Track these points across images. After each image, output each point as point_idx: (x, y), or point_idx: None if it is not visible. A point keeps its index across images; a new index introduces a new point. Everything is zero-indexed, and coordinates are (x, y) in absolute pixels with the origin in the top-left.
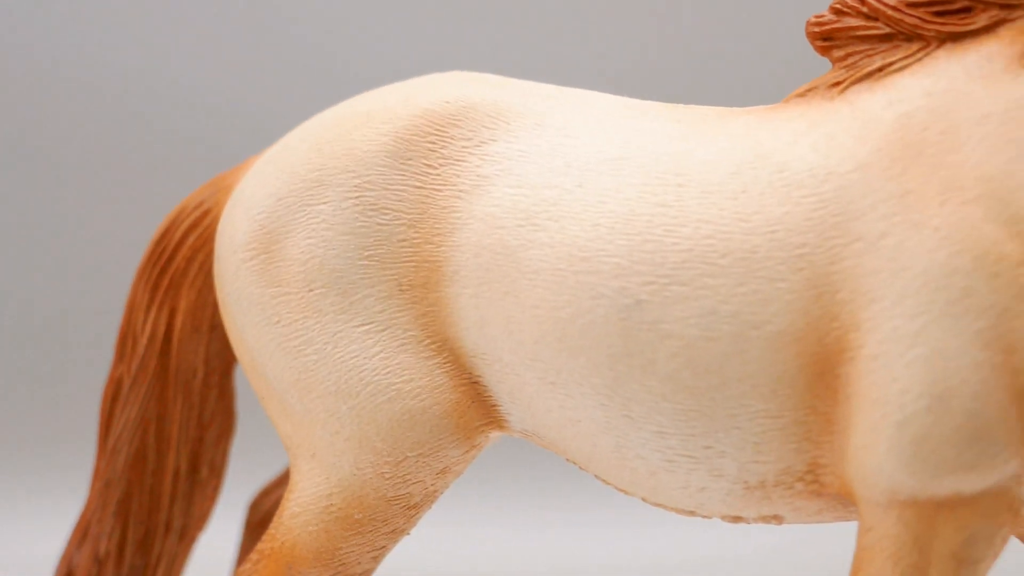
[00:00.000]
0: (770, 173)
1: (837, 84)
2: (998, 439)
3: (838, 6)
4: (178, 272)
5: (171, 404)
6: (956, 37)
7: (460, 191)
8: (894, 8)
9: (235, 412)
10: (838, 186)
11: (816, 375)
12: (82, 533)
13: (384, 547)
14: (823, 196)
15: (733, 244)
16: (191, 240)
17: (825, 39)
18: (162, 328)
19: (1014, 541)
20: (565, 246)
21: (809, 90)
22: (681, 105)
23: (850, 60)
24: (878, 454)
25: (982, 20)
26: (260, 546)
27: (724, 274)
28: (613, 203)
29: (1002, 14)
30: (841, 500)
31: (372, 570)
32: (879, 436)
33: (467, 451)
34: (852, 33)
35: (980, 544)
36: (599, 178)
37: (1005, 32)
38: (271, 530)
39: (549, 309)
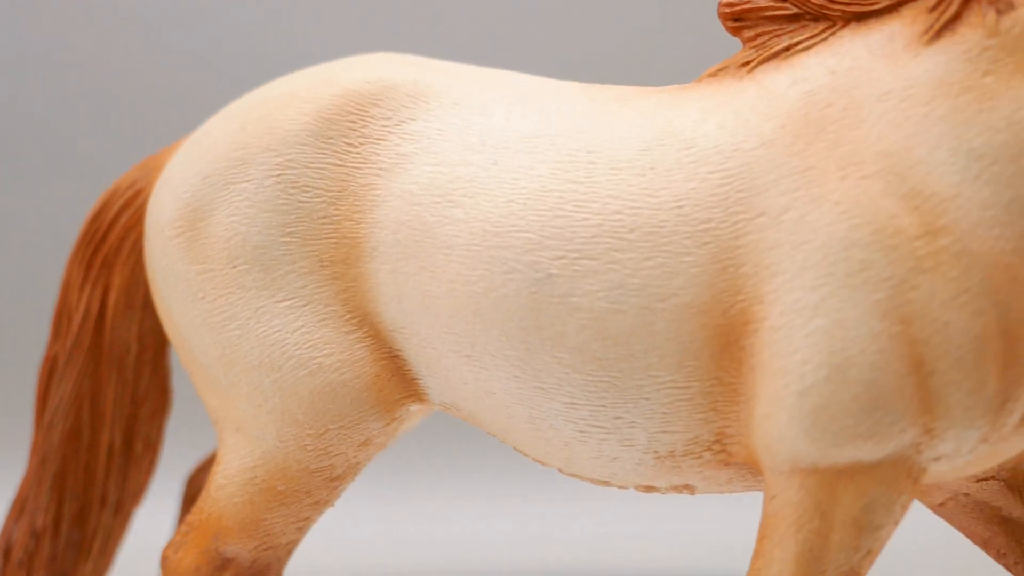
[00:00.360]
0: (678, 150)
1: (746, 64)
2: (895, 408)
3: None
4: (111, 251)
5: (105, 381)
6: (860, 17)
7: (380, 169)
8: None
9: (170, 389)
10: (743, 162)
11: (721, 347)
12: (19, 508)
13: (308, 518)
14: (728, 172)
15: (641, 219)
16: (124, 219)
17: (736, 20)
18: (96, 306)
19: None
20: (479, 222)
21: (720, 70)
22: (598, 85)
23: (759, 40)
24: (780, 423)
25: (885, 0)
26: (189, 518)
27: (632, 248)
28: (526, 180)
29: None
30: (749, 469)
31: (297, 540)
32: (781, 406)
33: (388, 424)
34: (761, 14)
35: (880, 511)
36: (513, 156)
37: (907, 11)
38: (199, 503)
39: (463, 283)
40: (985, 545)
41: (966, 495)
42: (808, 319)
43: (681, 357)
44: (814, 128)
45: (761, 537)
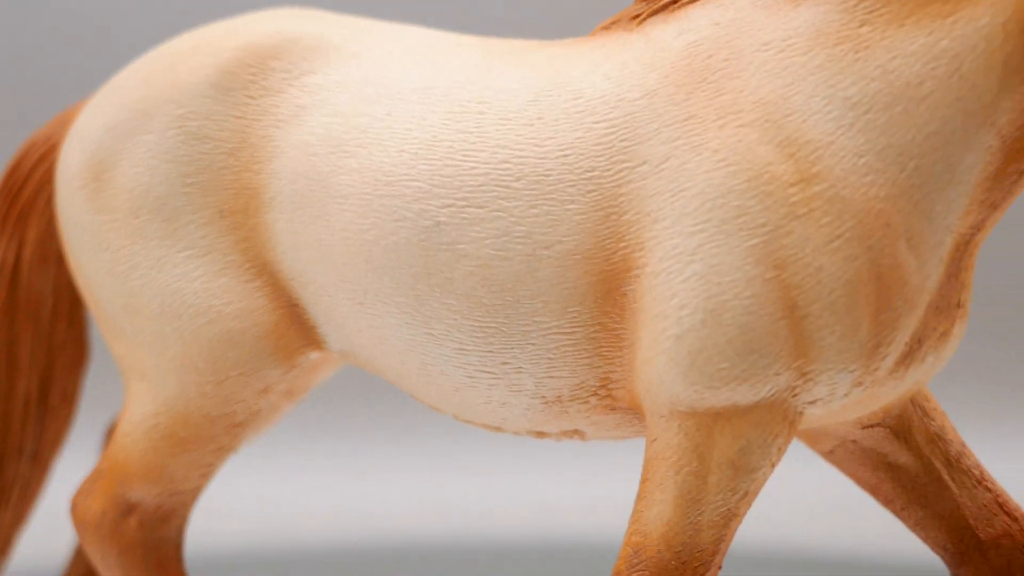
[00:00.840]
0: (565, 100)
1: (636, 16)
2: (769, 351)
3: None
4: (27, 204)
5: (21, 332)
6: None
7: (279, 120)
8: None
9: (87, 342)
10: (627, 112)
11: (604, 293)
12: None
13: (211, 464)
14: (613, 122)
15: (527, 168)
16: (39, 173)
17: None
18: (11, 258)
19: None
20: (372, 171)
21: (613, 23)
22: (497, 38)
23: None
24: (659, 367)
25: None
26: (98, 465)
27: (518, 197)
28: (418, 130)
29: None
30: (634, 414)
31: (201, 487)
32: (660, 349)
33: (288, 371)
34: None
35: (756, 453)
36: (407, 106)
37: None
38: (107, 449)
39: (356, 232)
40: (874, 491)
41: (854, 442)
42: (685, 264)
43: (565, 303)
44: (696, 78)
45: (643, 479)
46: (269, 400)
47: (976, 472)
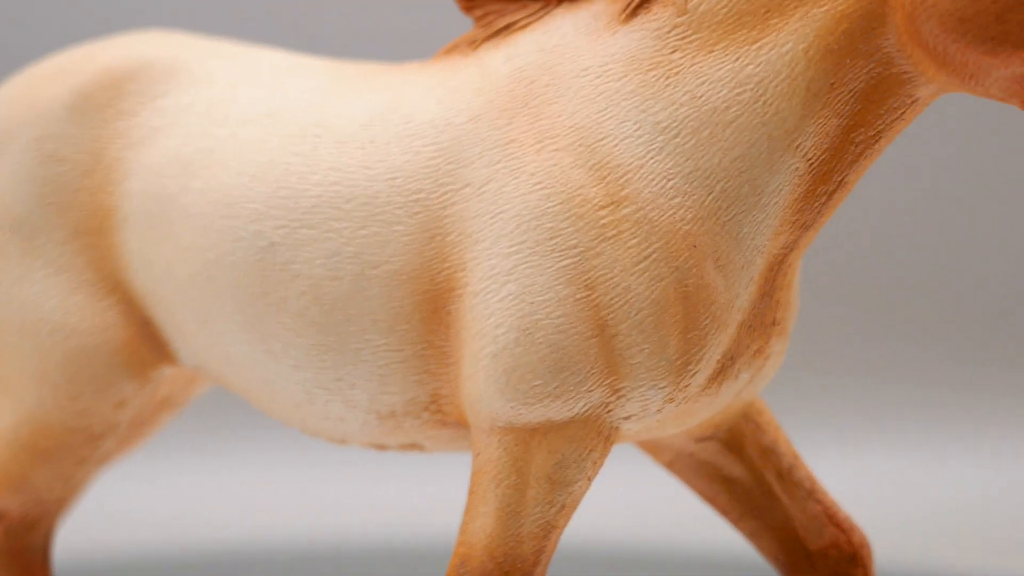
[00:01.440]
0: (397, 124)
1: (473, 42)
2: (581, 369)
3: None
4: None
5: None
6: None
7: (132, 142)
8: None
9: None
10: (454, 136)
11: (431, 311)
12: None
13: (74, 475)
14: (440, 145)
15: (357, 190)
16: None
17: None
18: None
19: None
20: (214, 192)
21: (453, 48)
22: (350, 62)
23: (486, 19)
24: (479, 383)
25: None
26: None
27: (348, 218)
28: (258, 152)
29: None
30: (464, 428)
31: (67, 498)
32: (479, 367)
33: (142, 386)
34: None
35: (572, 467)
36: (251, 129)
37: None
38: None
39: (199, 251)
40: (711, 502)
41: (690, 455)
42: (502, 284)
43: (393, 322)
44: (519, 103)
45: (470, 492)
46: (127, 413)
47: (807, 484)
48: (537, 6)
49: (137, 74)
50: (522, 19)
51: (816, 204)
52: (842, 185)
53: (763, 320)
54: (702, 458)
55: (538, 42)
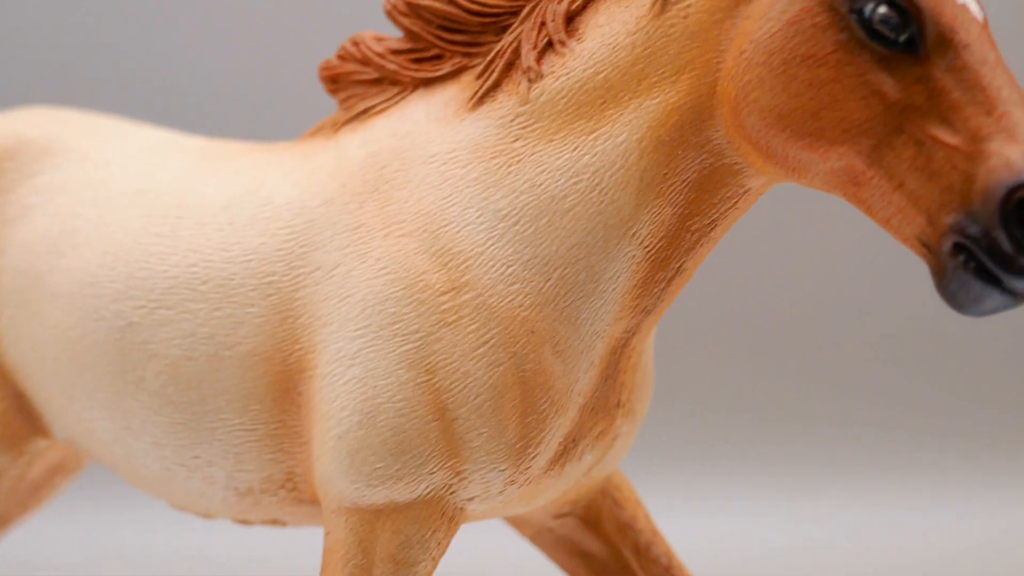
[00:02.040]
0: (255, 207)
1: (335, 124)
2: (422, 452)
3: (342, 52)
4: None
5: None
6: (428, 82)
7: (8, 219)
8: (380, 55)
9: None
10: (308, 219)
11: (283, 392)
12: None
13: None
14: (295, 229)
15: (213, 272)
16: None
17: (332, 82)
18: None
19: None
20: (79, 271)
21: (318, 130)
22: (222, 141)
23: (349, 102)
24: (326, 464)
25: (448, 67)
26: None
27: (204, 299)
28: (122, 233)
29: (464, 61)
30: (319, 506)
31: None
32: (326, 448)
33: (16, 458)
34: (351, 78)
35: (415, 548)
36: (117, 209)
37: (465, 78)
38: None
39: (63, 329)
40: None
41: (549, 530)
42: (347, 368)
43: (246, 402)
44: (370, 188)
45: (321, 570)
46: (2, 485)
47: (664, 560)
48: (394, 91)
49: (15, 152)
50: (380, 104)
51: (655, 290)
52: (680, 271)
53: (606, 403)
54: (561, 534)
55: (392, 127)
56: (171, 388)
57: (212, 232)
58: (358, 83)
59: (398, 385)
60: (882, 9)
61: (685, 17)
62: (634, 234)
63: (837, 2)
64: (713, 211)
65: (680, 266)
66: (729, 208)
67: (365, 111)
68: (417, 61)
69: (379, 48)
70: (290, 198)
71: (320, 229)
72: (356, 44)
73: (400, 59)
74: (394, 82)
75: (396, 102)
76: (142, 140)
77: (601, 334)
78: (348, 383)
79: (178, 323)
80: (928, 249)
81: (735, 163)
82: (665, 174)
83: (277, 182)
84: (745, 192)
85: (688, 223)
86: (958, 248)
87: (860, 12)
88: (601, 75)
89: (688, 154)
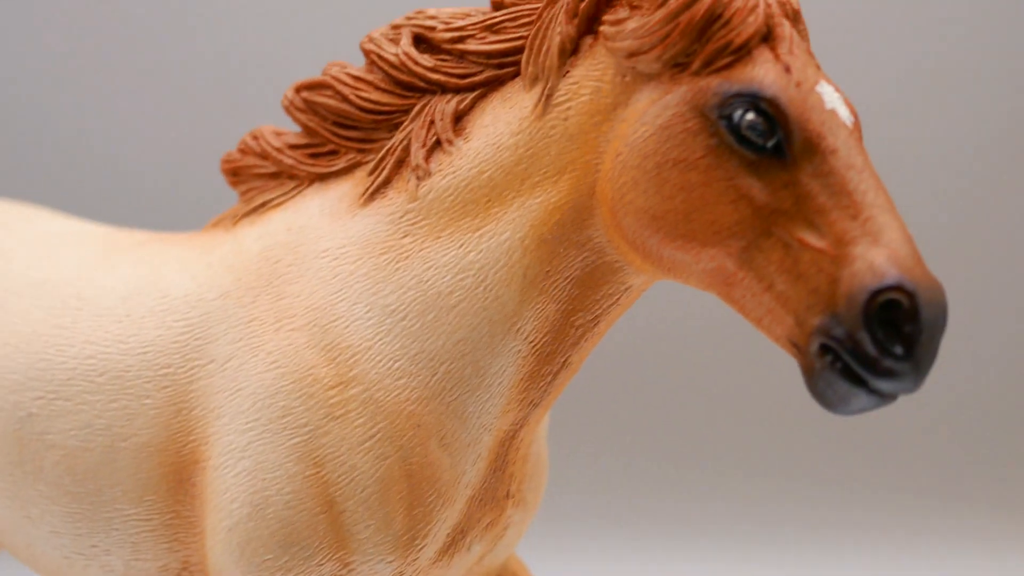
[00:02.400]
0: (153, 299)
1: (235, 216)
2: (310, 544)
3: (243, 146)
4: None
5: None
6: (323, 177)
7: None
8: (278, 150)
9: None
10: (204, 312)
11: (177, 483)
12: None
13: None
14: (191, 321)
15: (110, 364)
16: None
17: (233, 175)
18: None
19: None
20: None
21: (219, 221)
22: (128, 231)
23: (249, 195)
24: (218, 555)
25: (342, 162)
26: None
27: (100, 391)
28: (23, 323)
29: (358, 157)
30: None
31: None
32: (218, 539)
33: None
34: (251, 171)
35: None
36: (19, 300)
37: (359, 173)
38: None
39: None
40: None
41: None
42: (237, 460)
43: (142, 492)
44: (263, 282)
45: None
46: None
47: None
48: (291, 185)
49: None
50: (277, 197)
51: (542, 384)
52: (566, 365)
53: (495, 494)
54: None
55: (287, 221)
56: (68, 479)
57: (110, 324)
58: (257, 176)
59: (287, 478)
60: (750, 116)
61: (565, 119)
62: (519, 329)
63: (707, 108)
64: (596, 307)
65: (566, 360)
66: (611, 304)
67: (263, 204)
68: (313, 156)
69: (277, 143)
70: (187, 291)
71: (215, 322)
72: (256, 138)
73: (297, 154)
74: (291, 176)
75: (292, 196)
76: (46, 228)
77: (488, 427)
78: (239, 475)
79: (75, 414)
80: (798, 349)
81: (616, 261)
82: (548, 271)
83: (176, 274)
84: (627, 289)
85: (572, 319)
86: (825, 349)
87: (729, 118)
88: (486, 174)
89: (570, 252)
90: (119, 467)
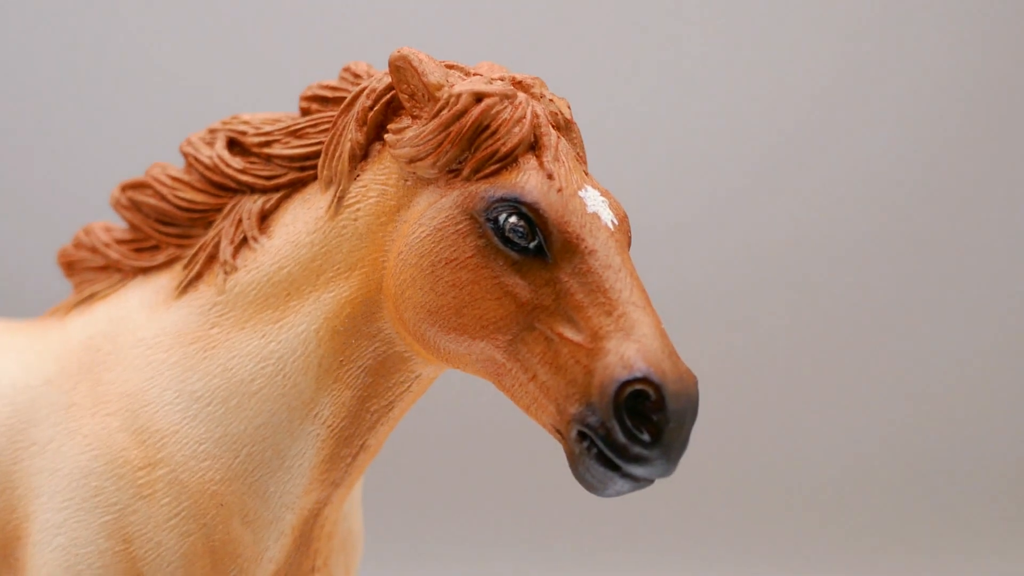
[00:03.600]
0: None
1: (67, 307)
2: None
3: (76, 240)
4: None
5: None
6: (145, 270)
7: None
8: (106, 244)
9: None
10: (30, 398)
11: (2, 558)
12: None
13: None
14: (17, 406)
15: None
16: None
17: (68, 267)
18: None
19: None
20: None
21: (55, 311)
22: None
23: (80, 287)
24: None
25: (162, 257)
26: None
27: None
28: None
29: (177, 252)
30: None
31: None
32: None
33: None
34: (82, 264)
35: None
36: None
37: (176, 267)
38: None
39: None
40: None
41: None
42: (53, 536)
43: None
44: (84, 369)
45: None
46: None
47: None
48: (117, 278)
49: None
50: (103, 289)
51: (342, 465)
52: (364, 448)
53: (300, 569)
54: None
55: (109, 312)
56: None
57: None
58: (88, 269)
59: (98, 553)
60: (512, 219)
61: (355, 220)
62: (316, 415)
63: (476, 212)
64: (389, 394)
65: (363, 443)
66: (404, 391)
67: (91, 296)
68: (138, 251)
69: (106, 238)
70: (15, 377)
71: (39, 407)
72: (88, 233)
73: (123, 248)
74: (117, 269)
75: (117, 288)
76: None
77: (290, 506)
78: (54, 551)
79: None
80: (561, 435)
81: (404, 351)
82: (342, 361)
83: (8, 362)
84: (417, 377)
85: (367, 404)
86: (582, 436)
87: (495, 221)
88: (285, 270)
89: (362, 343)
90: None
